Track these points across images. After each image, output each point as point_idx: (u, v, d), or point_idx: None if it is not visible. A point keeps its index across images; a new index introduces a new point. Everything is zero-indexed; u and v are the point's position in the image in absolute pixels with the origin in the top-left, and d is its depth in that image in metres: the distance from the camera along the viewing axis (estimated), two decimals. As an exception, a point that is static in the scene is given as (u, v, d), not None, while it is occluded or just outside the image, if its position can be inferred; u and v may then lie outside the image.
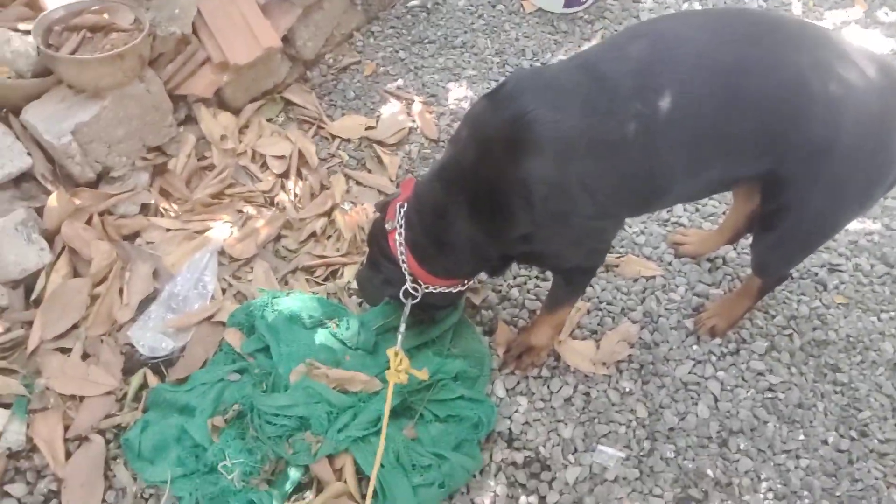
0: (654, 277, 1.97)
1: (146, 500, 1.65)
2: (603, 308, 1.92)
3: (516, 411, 1.74)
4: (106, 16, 1.90)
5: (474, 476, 1.62)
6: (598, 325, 1.89)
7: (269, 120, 2.27)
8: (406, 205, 1.53)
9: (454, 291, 1.62)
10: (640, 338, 1.86)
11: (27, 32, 1.87)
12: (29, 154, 1.87)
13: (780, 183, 1.36)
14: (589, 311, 1.91)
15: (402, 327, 1.59)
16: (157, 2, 2.02)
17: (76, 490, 1.64)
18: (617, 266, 1.99)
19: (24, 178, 1.92)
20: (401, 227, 1.51)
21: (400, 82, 2.42)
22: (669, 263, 2.00)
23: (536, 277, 1.97)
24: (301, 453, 1.61)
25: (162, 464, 1.63)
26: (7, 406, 1.71)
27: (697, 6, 2.62)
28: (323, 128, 2.27)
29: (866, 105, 1.27)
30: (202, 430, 1.62)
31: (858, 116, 1.26)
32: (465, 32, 2.56)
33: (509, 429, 1.71)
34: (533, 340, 1.78)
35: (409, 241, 1.52)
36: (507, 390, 1.78)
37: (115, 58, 1.77)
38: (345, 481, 1.58)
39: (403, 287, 1.56)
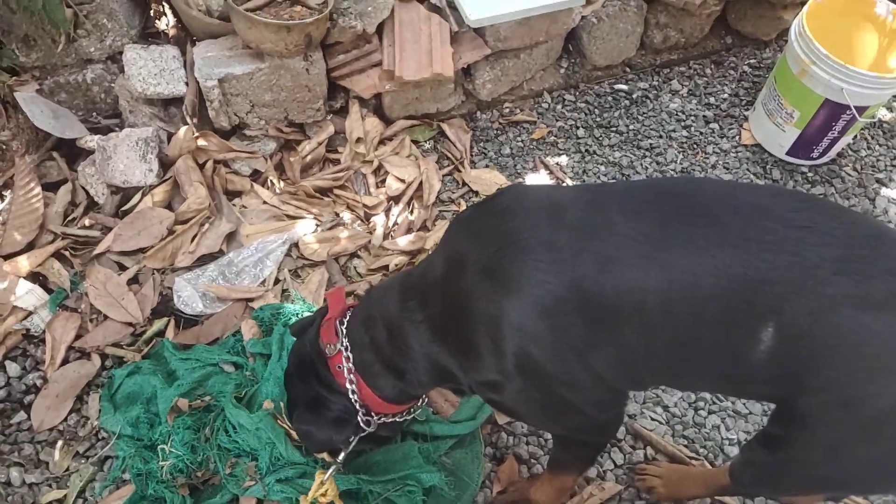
0: (721, 504, 1.54)
1: (99, 439, 1.63)
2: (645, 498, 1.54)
3: (471, 565, 1.45)
4: (305, -12, 1.93)
5: None
6: (624, 521, 1.52)
7: (415, 142, 2.18)
8: (348, 320, 1.25)
9: (408, 417, 1.34)
10: (664, 566, 1.46)
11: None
12: (186, 84, 1.96)
13: None
14: (619, 499, 1.54)
15: (341, 457, 1.32)
16: (358, -6, 2.03)
17: (50, 397, 1.65)
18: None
19: (174, 102, 2.03)
20: (346, 349, 1.23)
21: (563, 159, 2.20)
22: None
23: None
24: (235, 479, 1.47)
25: (121, 416, 1.58)
26: (49, 291, 1.79)
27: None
28: (460, 171, 2.13)
29: None
30: (167, 403, 1.55)
31: None
32: (660, 137, 2.26)
33: (452, 580, 1.43)
34: (533, 495, 1.46)
35: (360, 365, 1.22)
36: (478, 536, 1.49)
37: (281, 27, 1.78)
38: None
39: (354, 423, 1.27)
